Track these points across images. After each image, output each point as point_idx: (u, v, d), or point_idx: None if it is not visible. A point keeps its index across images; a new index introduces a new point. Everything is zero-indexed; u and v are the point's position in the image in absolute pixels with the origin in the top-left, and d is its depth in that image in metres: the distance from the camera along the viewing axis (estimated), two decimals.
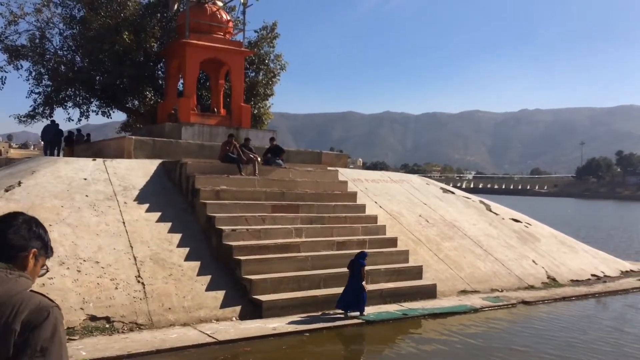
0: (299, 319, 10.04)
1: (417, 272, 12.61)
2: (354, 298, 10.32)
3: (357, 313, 10.39)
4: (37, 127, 23.14)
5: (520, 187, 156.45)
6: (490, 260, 14.47)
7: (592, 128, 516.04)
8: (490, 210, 17.73)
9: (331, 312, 10.55)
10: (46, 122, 21.28)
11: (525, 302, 12.35)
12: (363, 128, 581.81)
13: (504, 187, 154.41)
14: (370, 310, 10.72)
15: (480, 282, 13.50)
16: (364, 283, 10.44)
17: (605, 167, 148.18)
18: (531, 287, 13.76)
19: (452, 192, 18.74)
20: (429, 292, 12.15)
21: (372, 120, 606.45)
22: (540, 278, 14.39)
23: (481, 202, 18.30)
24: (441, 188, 18.87)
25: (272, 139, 16.14)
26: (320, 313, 10.48)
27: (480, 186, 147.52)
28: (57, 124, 20.93)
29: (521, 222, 17.48)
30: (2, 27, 20.38)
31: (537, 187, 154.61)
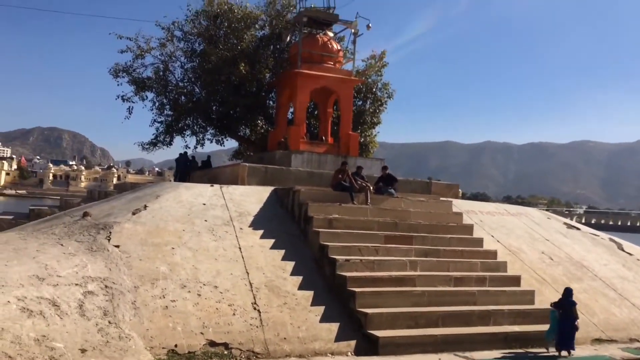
0: (418, 359, 9.43)
1: (545, 315, 11.41)
2: (566, 337, 10.20)
3: (566, 353, 10.19)
4: (152, 155, 24.60)
5: (638, 224, 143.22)
6: (627, 306, 12.97)
7: None
8: (623, 250, 16.04)
9: (450, 354, 9.85)
10: (166, 149, 22.60)
11: None
12: (462, 158, 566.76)
13: (619, 223, 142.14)
14: (495, 355, 9.90)
15: (617, 330, 12.10)
16: (577, 322, 10.31)
17: None
18: None
19: (578, 228, 17.23)
20: None
21: (472, 150, 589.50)
22: None
23: (611, 240, 16.64)
24: (564, 223, 17.44)
25: (384, 168, 15.81)
26: (438, 355, 9.81)
27: (592, 222, 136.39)
28: (187, 154, 22.14)
29: None
30: (130, 61, 22.03)
31: None
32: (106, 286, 9.26)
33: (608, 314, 12.58)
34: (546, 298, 12.50)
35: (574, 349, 10.23)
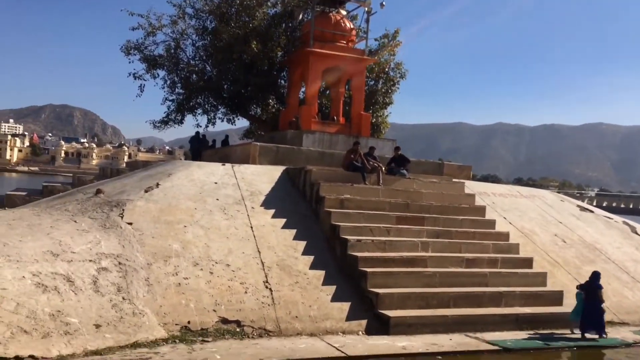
0: (430, 339, 9.46)
1: (557, 297, 11.50)
2: (593, 320, 10.33)
3: (596, 336, 10.27)
4: (163, 134, 24.64)
5: None
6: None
7: None
8: (636, 233, 15.91)
9: (460, 334, 9.86)
10: (177, 127, 22.58)
11: None
12: (473, 139, 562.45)
13: (631, 206, 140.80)
14: (505, 336, 9.90)
15: (629, 313, 12.05)
16: (603, 305, 10.45)
17: None
18: None
19: (591, 211, 17.08)
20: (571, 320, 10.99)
21: (483, 132, 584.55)
22: None
23: (625, 223, 16.49)
24: (578, 206, 17.28)
25: (397, 148, 15.70)
26: (449, 335, 9.82)
27: (604, 204, 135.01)
28: (200, 134, 22.13)
29: None
30: (141, 38, 21.91)
31: None
32: (119, 263, 9.33)
33: (621, 297, 12.51)
34: (558, 280, 12.48)
35: (604, 333, 10.31)
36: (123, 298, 8.65)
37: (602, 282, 12.63)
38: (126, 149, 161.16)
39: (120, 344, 7.85)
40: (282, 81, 22.80)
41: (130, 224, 10.54)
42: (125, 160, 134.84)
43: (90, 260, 9.12)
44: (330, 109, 21.90)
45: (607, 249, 14.46)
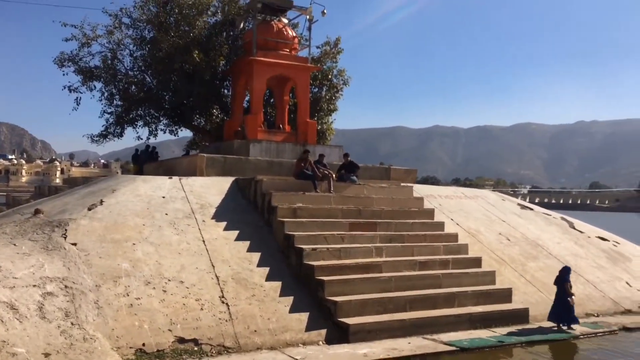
0: (389, 344, 9.53)
1: (506, 294, 11.88)
2: (564, 312, 11.06)
3: (565, 327, 11.00)
4: (97, 147, 23.84)
5: (579, 201, 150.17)
6: (581, 282, 13.53)
7: None
8: (574, 228, 16.72)
9: (418, 337, 10.01)
10: (117, 140, 21.82)
11: (626, 329, 11.41)
12: (412, 143, 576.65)
13: (561, 201, 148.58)
14: (461, 336, 10.13)
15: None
16: (570, 298, 11.05)
17: None
18: (628, 312, 12.77)
19: (531, 209, 17.82)
20: (521, 316, 11.40)
21: (421, 135, 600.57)
22: (637, 301, 13.33)
23: (563, 219, 17.31)
24: (518, 204, 18.00)
25: (346, 155, 15.80)
26: (408, 339, 9.94)
27: (536, 201, 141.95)
28: (149, 146, 21.41)
29: (609, 241, 16.38)
30: (76, 49, 21.01)
31: (597, 202, 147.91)
32: (66, 286, 8.85)
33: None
34: (505, 278, 12.91)
35: (575, 323, 11.04)
36: (72, 323, 8.20)
37: (544, 277, 13.27)
38: (58, 164, 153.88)
39: None
40: (226, 90, 22.50)
41: (74, 244, 10.03)
42: (58, 175, 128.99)
43: (34, 285, 8.60)
44: (276, 118, 21.81)
45: (548, 244, 15.11)
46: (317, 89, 23.44)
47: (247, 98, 21.65)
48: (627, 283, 14.07)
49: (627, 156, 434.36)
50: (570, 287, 11.32)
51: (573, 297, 11.23)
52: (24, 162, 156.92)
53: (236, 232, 11.82)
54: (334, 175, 14.13)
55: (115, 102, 21.66)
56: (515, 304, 11.81)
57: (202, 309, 9.46)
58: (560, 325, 11.10)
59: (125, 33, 21.28)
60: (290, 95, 21.67)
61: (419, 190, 16.29)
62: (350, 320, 9.88)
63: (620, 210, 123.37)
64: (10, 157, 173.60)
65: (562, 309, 11.13)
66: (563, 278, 11.27)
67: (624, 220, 68.36)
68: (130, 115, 21.68)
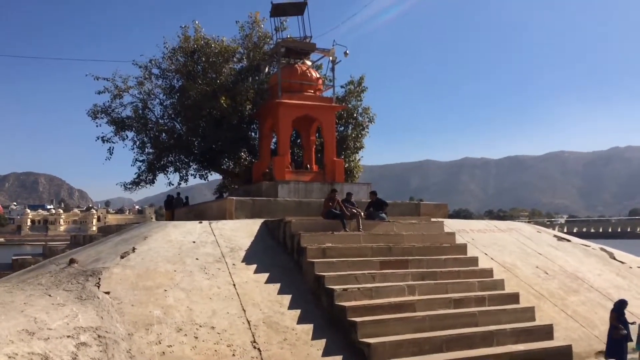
0: None
1: (547, 331, 11.40)
2: (618, 348, 10.73)
3: None
4: (131, 194, 24.46)
5: (619, 229, 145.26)
6: (626, 315, 12.90)
7: None
8: (615, 259, 16.11)
9: None
10: (149, 187, 22.31)
11: None
12: (441, 176, 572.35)
13: (600, 230, 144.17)
14: None
15: None
16: (619, 331, 10.76)
17: None
18: None
19: (568, 240, 17.29)
20: (564, 354, 10.88)
21: (450, 167, 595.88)
22: None
23: (602, 249, 16.71)
24: (555, 236, 17.49)
25: (373, 193, 15.73)
26: None
27: (574, 230, 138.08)
28: (175, 194, 21.90)
29: None
30: (108, 101, 21.84)
31: (638, 229, 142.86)
32: (99, 336, 8.89)
33: (608, 325, 12.47)
34: (545, 314, 12.44)
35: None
36: None
37: (586, 311, 12.76)
38: (94, 211, 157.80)
39: None
40: (253, 133, 22.92)
41: (107, 293, 10.14)
42: (94, 223, 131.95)
43: (68, 336, 8.66)
44: (303, 158, 22.00)
45: (588, 277, 14.57)
46: (343, 128, 23.66)
47: (274, 140, 21.96)
48: None
49: None
50: (626, 320, 10.92)
51: (623, 331, 10.74)
52: (61, 211, 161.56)
53: (266, 275, 11.77)
54: (362, 214, 14.05)
55: (146, 150, 22.30)
56: (557, 340, 11.31)
57: (234, 354, 9.35)
58: None
59: (155, 83, 22.10)
60: (317, 135, 21.89)
61: (450, 225, 16.02)
62: None
63: None
64: (49, 207, 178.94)
65: (614, 344, 10.72)
66: (616, 311, 10.97)
67: None
68: (162, 162, 22.22)
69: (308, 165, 20.87)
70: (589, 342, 11.69)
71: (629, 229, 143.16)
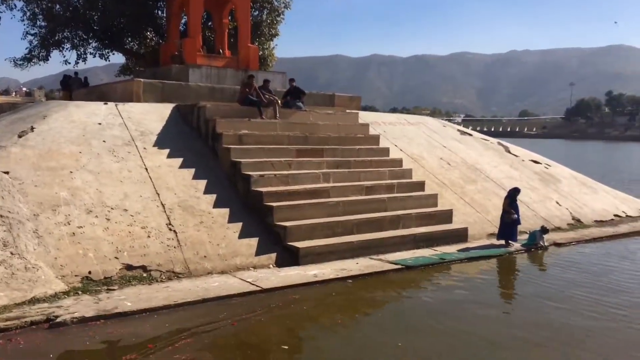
0: (338, 265, 9.78)
1: (447, 215, 12.37)
2: (502, 230, 11.90)
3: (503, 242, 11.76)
4: (18, 74, 22.20)
5: (509, 129, 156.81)
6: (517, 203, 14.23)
7: (581, 69, 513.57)
8: (510, 152, 17.42)
9: (365, 258, 10.31)
10: (42, 64, 20.29)
11: (556, 244, 12.25)
12: (350, 72, 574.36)
13: (492, 129, 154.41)
14: (405, 256, 10.53)
15: None
16: (510, 217, 11.76)
17: (595, 108, 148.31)
18: (558, 229, 13.64)
19: (470, 134, 18.35)
20: (460, 235, 11.96)
21: (359, 64, 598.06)
22: (566, 219, 14.28)
23: (499, 143, 17.96)
24: (458, 130, 18.46)
25: (291, 80, 15.41)
26: (356, 260, 10.22)
27: (469, 128, 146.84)
28: (77, 74, 19.93)
29: (541, 164, 17.24)
30: None
31: (525, 129, 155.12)
32: (1, 216, 8.39)
33: (500, 210, 13.70)
34: (446, 200, 13.39)
35: (512, 241, 11.78)
36: (11, 253, 7.84)
37: (482, 199, 13.89)
38: None
39: (16, 302, 7.19)
40: (160, 12, 21.18)
41: (6, 172, 9.44)
42: None
43: None
44: (215, 42, 20.86)
45: (485, 168, 15.72)
46: (257, 12, 22.54)
47: (183, 21, 20.48)
48: (557, 202, 14.98)
49: (556, 85, 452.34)
50: (517, 206, 12.01)
51: (514, 216, 11.82)
52: None
53: (180, 160, 11.50)
54: (279, 102, 13.84)
55: (38, 22, 19.96)
56: (456, 224, 12.34)
57: (149, 236, 9.28)
58: (499, 241, 11.82)
59: None
60: (230, 18, 20.67)
61: (364, 117, 16.31)
62: (299, 244, 10.02)
63: (547, 136, 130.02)
64: None
65: (503, 228, 11.86)
66: (510, 197, 11.97)
67: (550, 145, 72.25)
68: (56, 37, 20.13)
69: (220, 50, 19.88)
70: (482, 226, 12.86)
71: (517, 129, 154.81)
